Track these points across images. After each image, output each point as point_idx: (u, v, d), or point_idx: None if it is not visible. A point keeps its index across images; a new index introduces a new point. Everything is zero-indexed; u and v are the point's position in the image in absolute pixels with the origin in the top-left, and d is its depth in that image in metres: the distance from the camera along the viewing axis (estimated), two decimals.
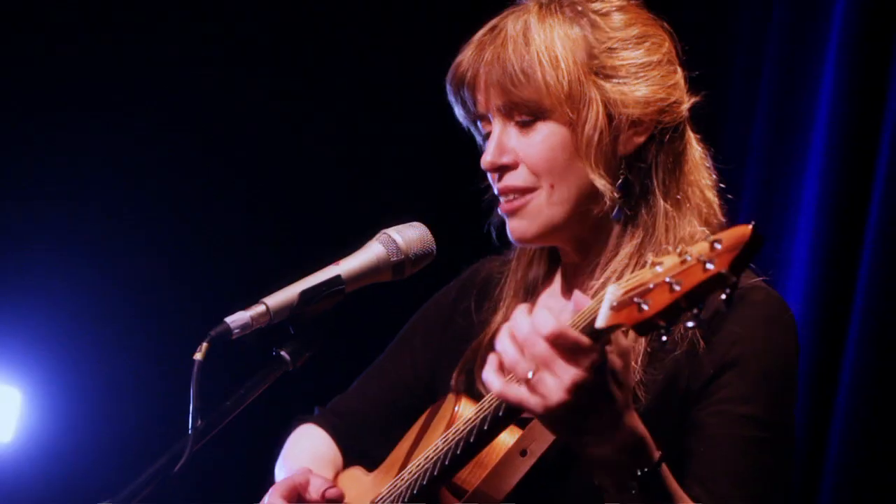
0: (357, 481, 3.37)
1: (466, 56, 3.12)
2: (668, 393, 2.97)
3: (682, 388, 2.97)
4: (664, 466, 2.71)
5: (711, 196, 3.13)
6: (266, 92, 5.65)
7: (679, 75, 3.11)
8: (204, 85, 5.59)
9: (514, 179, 3.10)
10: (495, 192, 3.16)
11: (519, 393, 2.63)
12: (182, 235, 5.62)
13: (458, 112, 3.19)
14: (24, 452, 5.59)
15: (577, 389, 2.58)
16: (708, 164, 3.16)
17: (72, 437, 5.55)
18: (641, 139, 3.08)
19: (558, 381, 2.58)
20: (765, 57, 4.99)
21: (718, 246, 2.41)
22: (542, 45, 3.03)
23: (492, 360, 2.69)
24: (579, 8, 3.07)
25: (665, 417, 2.94)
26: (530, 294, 3.26)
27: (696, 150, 3.15)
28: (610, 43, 3.05)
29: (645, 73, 3.06)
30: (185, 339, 2.93)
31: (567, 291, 3.21)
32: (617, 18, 3.08)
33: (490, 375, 2.68)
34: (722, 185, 3.18)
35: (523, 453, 2.97)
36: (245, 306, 2.91)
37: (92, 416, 5.55)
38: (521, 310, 2.66)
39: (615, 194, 3.07)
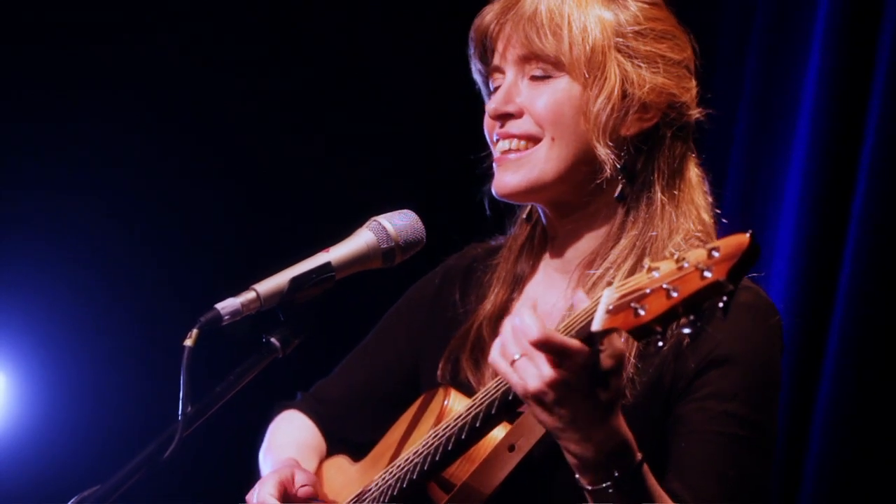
0: (342, 471, 3.38)
1: (495, 5, 3.20)
2: (654, 390, 3.00)
3: (667, 385, 2.99)
4: (645, 468, 2.73)
5: (707, 217, 3.16)
6: (253, 78, 5.63)
7: (693, 84, 3.19)
8: (190, 74, 5.57)
9: (516, 127, 3.15)
10: (493, 143, 3.19)
11: (506, 368, 2.67)
12: (173, 221, 5.60)
13: (474, 67, 3.26)
14: (9, 438, 5.56)
15: (555, 384, 2.62)
16: (706, 189, 3.20)
17: (60, 423, 5.53)
18: (647, 125, 3.14)
19: (538, 372, 2.62)
20: (749, 45, 4.99)
21: (716, 254, 2.42)
22: (574, 10, 3.11)
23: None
24: None
25: (649, 415, 2.98)
26: (518, 284, 3.27)
27: (695, 169, 3.20)
28: (639, 28, 3.13)
29: (664, 65, 3.13)
30: (175, 325, 2.93)
31: (556, 282, 3.22)
32: (649, 11, 3.16)
33: (495, 345, 2.71)
34: (718, 210, 3.21)
35: (511, 448, 2.98)
36: (235, 293, 2.91)
37: (81, 403, 5.53)
38: (527, 307, 2.68)
39: (616, 165, 3.10)
